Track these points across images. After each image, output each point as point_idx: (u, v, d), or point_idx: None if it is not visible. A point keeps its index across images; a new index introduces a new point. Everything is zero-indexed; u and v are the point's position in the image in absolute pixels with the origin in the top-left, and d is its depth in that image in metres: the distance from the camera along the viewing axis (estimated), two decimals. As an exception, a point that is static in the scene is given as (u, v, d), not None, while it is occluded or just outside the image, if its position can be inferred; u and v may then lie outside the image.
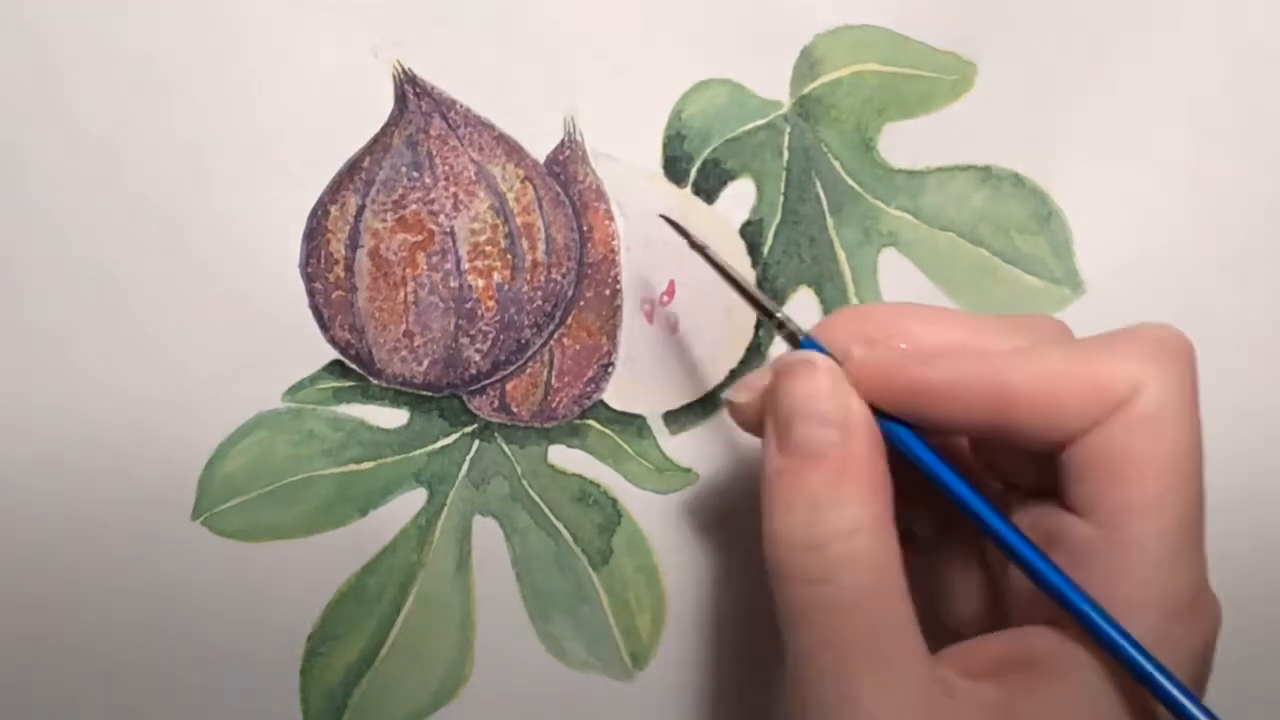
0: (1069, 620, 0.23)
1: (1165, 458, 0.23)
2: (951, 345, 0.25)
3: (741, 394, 0.26)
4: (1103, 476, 0.23)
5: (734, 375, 0.32)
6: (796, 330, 0.26)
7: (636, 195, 0.32)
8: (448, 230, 0.31)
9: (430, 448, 0.32)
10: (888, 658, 0.22)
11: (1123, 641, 0.22)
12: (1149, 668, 0.22)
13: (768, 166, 0.32)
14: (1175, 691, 0.22)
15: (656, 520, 0.32)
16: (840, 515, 0.23)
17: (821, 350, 0.25)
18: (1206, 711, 0.22)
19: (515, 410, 0.32)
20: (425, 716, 0.31)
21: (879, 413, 0.24)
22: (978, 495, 0.24)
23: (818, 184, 0.32)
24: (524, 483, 0.32)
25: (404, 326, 0.31)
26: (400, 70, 0.30)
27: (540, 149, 0.31)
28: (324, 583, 0.31)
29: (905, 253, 0.33)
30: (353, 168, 0.30)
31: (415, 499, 0.31)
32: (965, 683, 0.23)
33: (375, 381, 0.31)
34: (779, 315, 0.26)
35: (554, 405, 0.32)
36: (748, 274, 0.32)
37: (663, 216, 0.29)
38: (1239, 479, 0.33)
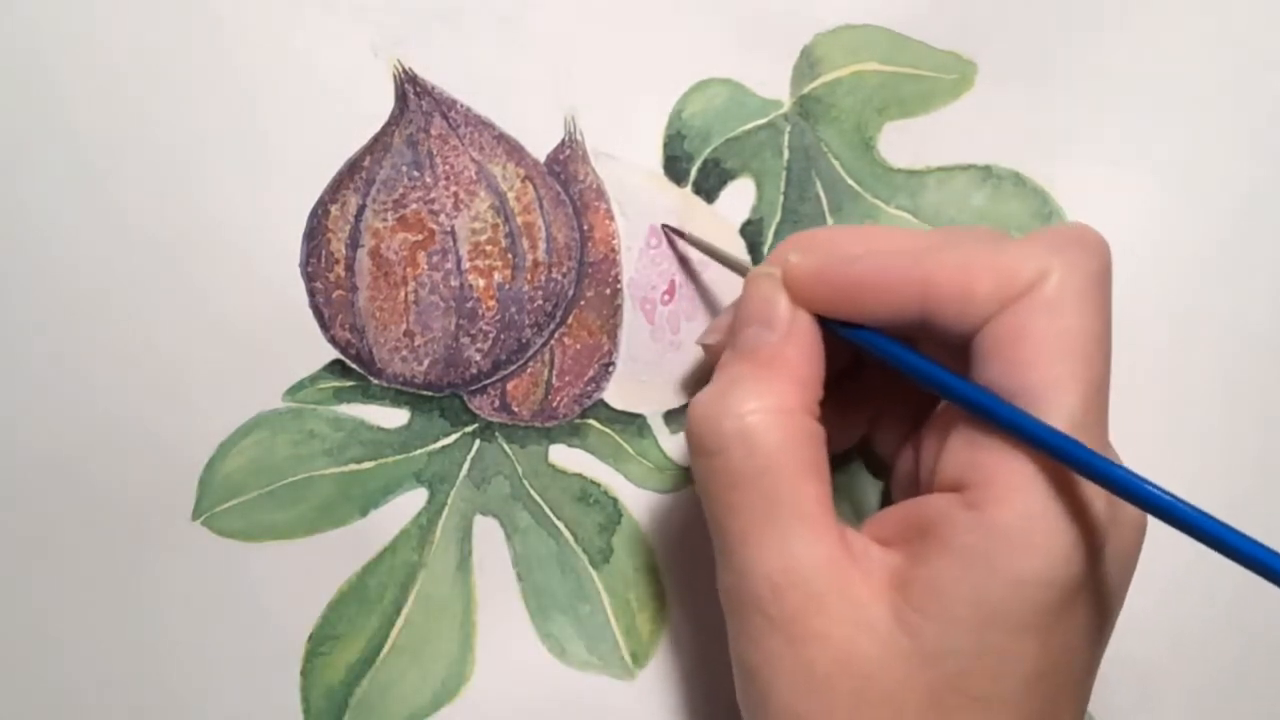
0: (961, 483, 0.24)
1: (1064, 339, 0.23)
2: (871, 249, 0.26)
3: (711, 335, 0.29)
4: (1006, 358, 0.24)
5: (695, 236, 0.32)
6: (750, 267, 0.28)
7: (637, 195, 0.32)
8: (448, 230, 0.31)
9: (431, 447, 0.32)
10: (784, 527, 0.24)
11: (1058, 437, 0.22)
12: (1083, 453, 0.22)
13: (768, 166, 0.32)
14: (1107, 467, 0.22)
15: (657, 520, 0.32)
16: (744, 395, 0.25)
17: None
18: (1126, 471, 0.22)
19: (516, 410, 0.32)
20: (426, 716, 0.31)
21: (828, 321, 0.26)
22: (916, 354, 0.25)
23: (818, 183, 0.32)
24: (525, 482, 0.32)
25: (404, 326, 0.31)
26: (401, 70, 0.30)
27: (541, 148, 0.31)
28: (324, 583, 0.31)
29: (906, 252, 0.33)
30: (353, 167, 0.30)
31: (416, 499, 0.31)
32: (877, 549, 0.25)
33: (376, 381, 0.31)
34: (748, 268, 0.28)
35: (555, 405, 0.32)
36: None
37: (665, 228, 0.31)
38: (1238, 478, 0.33)
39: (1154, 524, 0.23)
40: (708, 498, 0.26)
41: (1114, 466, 0.22)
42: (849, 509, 0.32)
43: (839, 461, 0.32)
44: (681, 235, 0.31)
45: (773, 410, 0.25)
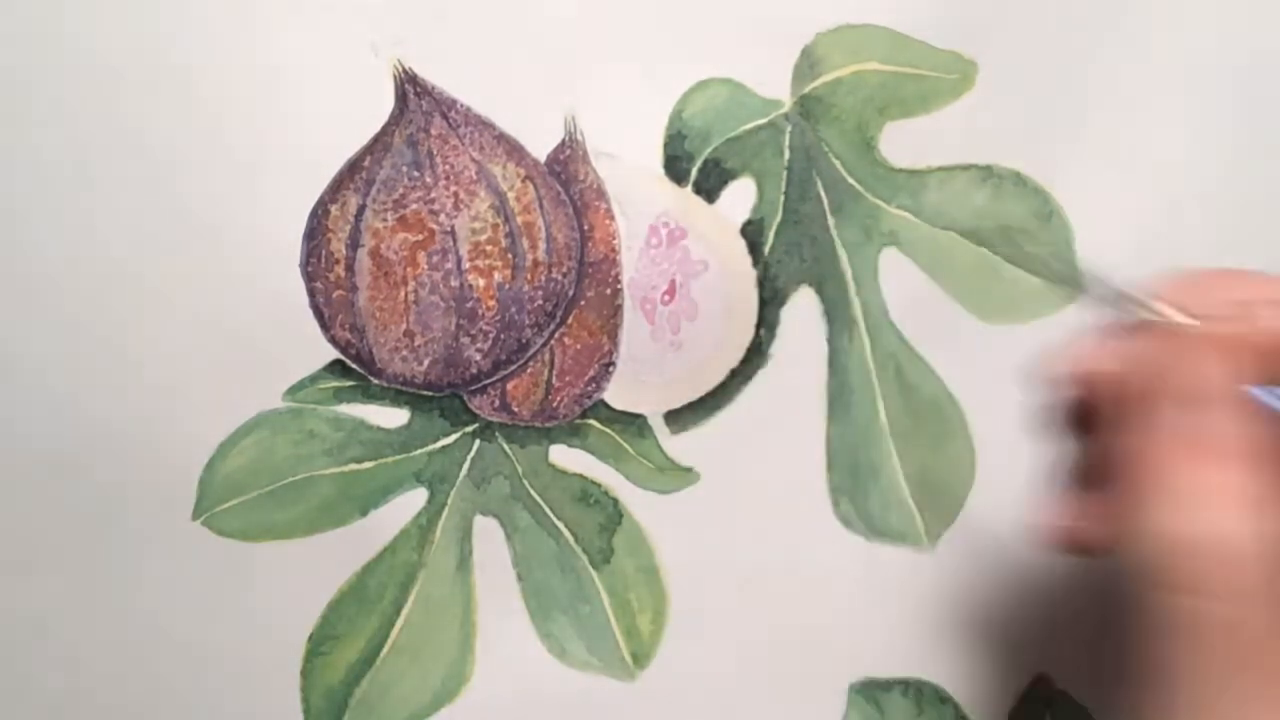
0: None
1: None
2: None
3: (1091, 361, 0.23)
4: None
5: (734, 375, 0.32)
6: (1170, 314, 0.22)
7: (637, 195, 0.32)
8: (448, 229, 0.31)
9: (431, 447, 0.31)
10: (1271, 690, 0.19)
11: None
12: None
13: (769, 166, 0.32)
14: None
15: (657, 520, 0.32)
16: (1232, 515, 0.19)
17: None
18: None
19: (516, 410, 0.32)
20: (426, 716, 0.31)
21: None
22: None
23: (819, 183, 0.32)
24: (525, 482, 0.32)
25: (405, 326, 0.31)
26: (401, 69, 0.30)
27: (541, 148, 0.31)
28: (324, 582, 0.31)
29: (906, 252, 0.33)
30: (353, 167, 0.30)
31: (416, 498, 0.31)
32: None
33: (376, 381, 0.31)
34: (1149, 303, 0.23)
35: (555, 405, 0.32)
36: (749, 273, 0.32)
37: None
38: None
39: None
40: (1181, 644, 0.20)
41: None
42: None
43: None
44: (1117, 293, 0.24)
45: (1266, 531, 0.19)
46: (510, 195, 0.31)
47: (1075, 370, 0.23)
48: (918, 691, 0.33)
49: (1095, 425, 0.23)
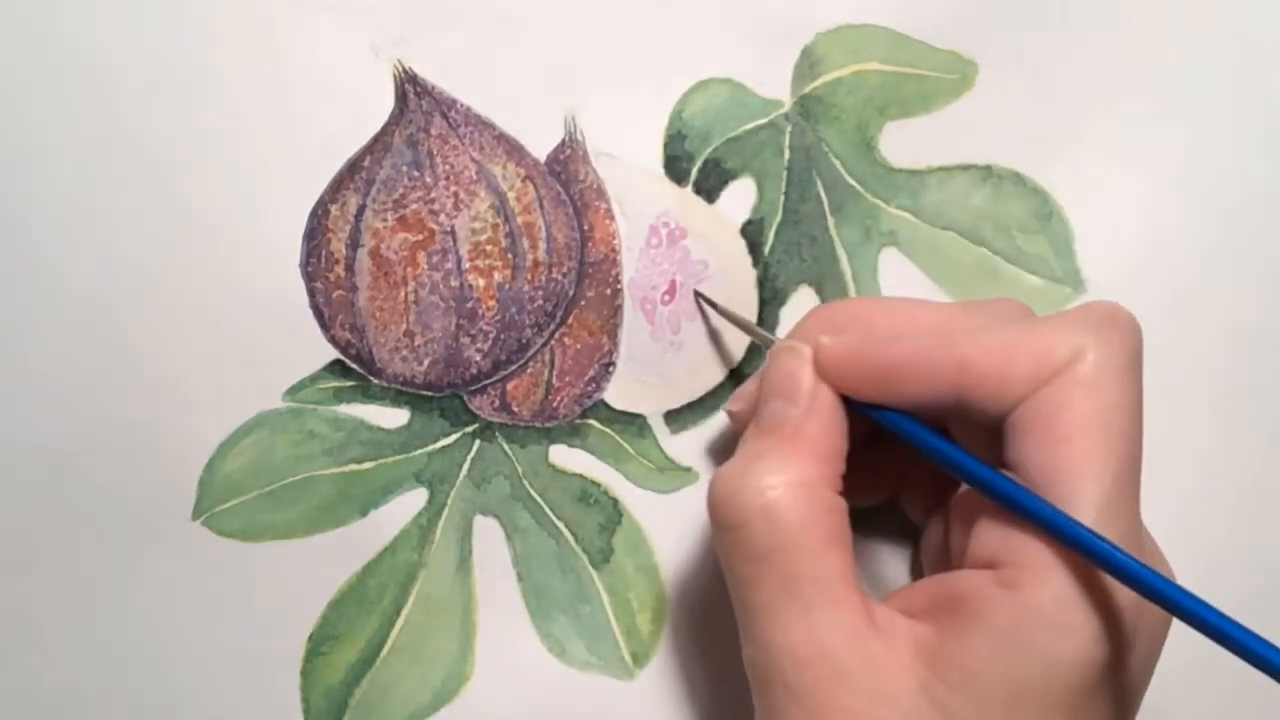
0: (995, 561, 0.24)
1: (1098, 417, 0.24)
2: (913, 330, 0.27)
3: (737, 403, 0.29)
4: (1041, 435, 0.24)
5: (734, 375, 0.32)
6: (775, 340, 0.29)
7: (637, 195, 0.32)
8: (448, 229, 0.31)
9: (431, 447, 0.31)
10: (807, 600, 0.24)
11: (1086, 534, 0.23)
12: (1112, 553, 0.23)
13: (768, 166, 0.32)
14: (1125, 559, 0.23)
15: (657, 520, 0.32)
16: (765, 470, 0.25)
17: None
18: (1152, 573, 0.22)
19: (516, 410, 0.32)
20: (426, 716, 0.31)
21: (854, 402, 0.26)
22: (944, 440, 0.26)
23: (818, 183, 0.32)
24: (525, 482, 0.32)
25: (405, 326, 0.31)
26: (401, 69, 0.30)
27: (541, 148, 0.31)
28: (324, 583, 0.31)
29: (906, 252, 0.33)
30: (353, 167, 0.30)
31: (416, 499, 0.31)
32: (903, 620, 0.25)
33: (376, 381, 0.31)
34: (772, 340, 0.29)
35: (555, 405, 0.32)
36: (749, 273, 0.32)
37: (697, 295, 0.32)
38: (1238, 477, 0.33)
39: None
40: (730, 572, 0.26)
41: (1136, 566, 0.22)
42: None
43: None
44: (714, 306, 0.31)
45: (794, 484, 0.25)
46: (510, 195, 0.31)
47: (730, 410, 0.30)
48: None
49: None
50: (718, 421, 0.32)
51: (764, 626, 0.25)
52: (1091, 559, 0.23)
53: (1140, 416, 0.25)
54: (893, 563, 0.33)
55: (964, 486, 0.28)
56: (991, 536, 0.25)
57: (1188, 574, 0.26)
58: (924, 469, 0.30)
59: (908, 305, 0.28)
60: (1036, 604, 0.23)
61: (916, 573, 0.32)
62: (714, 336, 0.32)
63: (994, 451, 0.25)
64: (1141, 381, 0.25)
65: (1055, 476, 0.24)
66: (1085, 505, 0.23)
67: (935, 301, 0.28)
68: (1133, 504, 0.24)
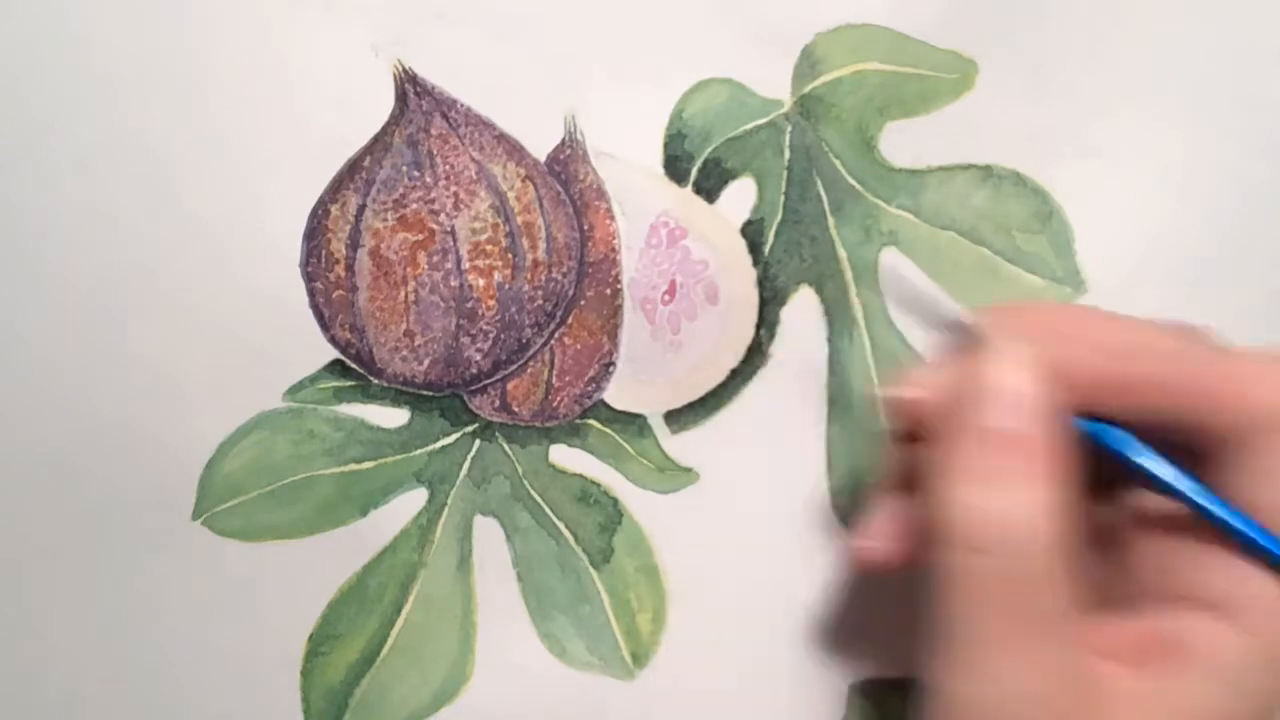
0: (1227, 604, 0.23)
1: None
2: (1125, 344, 0.26)
3: (914, 388, 0.26)
4: (1273, 469, 0.24)
5: (734, 374, 0.32)
6: (981, 332, 0.26)
7: (637, 195, 0.32)
8: (448, 229, 0.31)
9: (431, 447, 0.31)
10: (1042, 635, 0.23)
11: None
12: None
13: (769, 166, 0.32)
14: None
15: (658, 520, 0.32)
16: (1015, 492, 0.23)
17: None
18: None
19: (516, 410, 0.32)
20: (426, 716, 0.31)
21: (1081, 416, 0.25)
22: (1183, 473, 0.25)
23: (819, 183, 0.32)
24: (525, 482, 0.32)
25: (405, 326, 0.31)
26: (401, 69, 0.30)
27: (541, 148, 0.31)
28: (324, 582, 0.31)
29: (906, 252, 0.33)
30: (353, 167, 0.30)
31: (416, 498, 0.31)
32: (1109, 667, 0.23)
33: (376, 381, 0.31)
34: (962, 320, 0.27)
35: (555, 405, 0.32)
36: (749, 273, 0.32)
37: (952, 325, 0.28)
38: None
39: None
40: (951, 600, 0.24)
41: None
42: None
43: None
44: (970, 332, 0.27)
45: (1049, 509, 0.23)
46: (510, 195, 0.31)
47: (904, 397, 0.27)
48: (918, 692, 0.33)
49: (921, 442, 0.26)
50: (718, 421, 0.32)
51: (981, 659, 0.23)
52: None
53: None
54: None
55: (1142, 522, 0.27)
56: (1214, 575, 0.24)
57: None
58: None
59: (1104, 317, 0.27)
60: (1274, 645, 0.23)
61: None
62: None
63: (1192, 472, 0.25)
64: None
65: None
66: None
67: (1117, 314, 0.27)
68: None
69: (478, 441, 0.32)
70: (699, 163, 0.32)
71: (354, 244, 0.30)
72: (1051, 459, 0.24)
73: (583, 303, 0.32)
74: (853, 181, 0.32)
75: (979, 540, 0.23)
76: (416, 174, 0.31)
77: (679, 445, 0.32)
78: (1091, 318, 0.27)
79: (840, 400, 0.32)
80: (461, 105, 0.31)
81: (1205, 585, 0.24)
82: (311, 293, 0.31)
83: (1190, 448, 0.25)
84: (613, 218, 0.32)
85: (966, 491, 0.24)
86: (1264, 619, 0.23)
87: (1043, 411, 0.24)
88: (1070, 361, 0.25)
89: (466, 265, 0.31)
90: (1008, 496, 0.23)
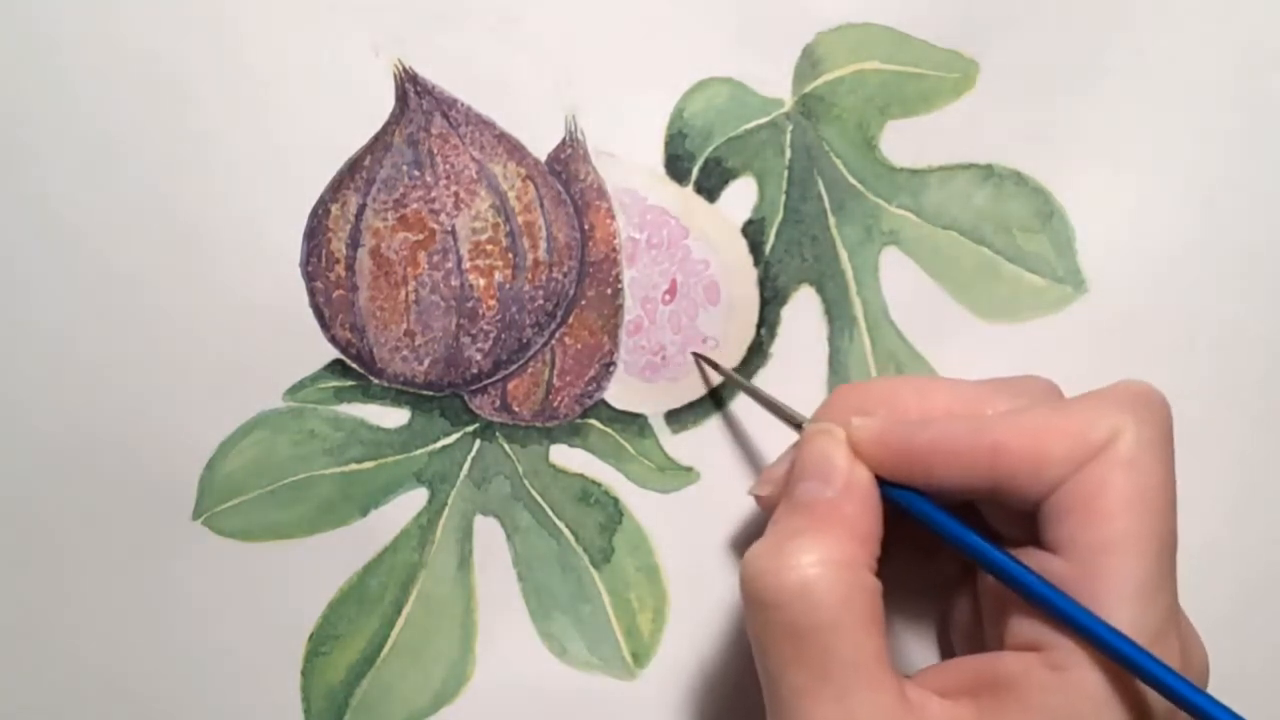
0: (1039, 644, 0.25)
1: (1139, 496, 0.24)
2: (943, 411, 0.27)
3: (764, 487, 0.29)
4: (1081, 515, 0.24)
5: (735, 373, 0.32)
6: (803, 420, 0.29)
7: (638, 194, 0.32)
8: (449, 229, 0.31)
9: (431, 447, 0.31)
10: (844, 684, 0.24)
11: (1120, 642, 0.23)
12: (1146, 662, 0.23)
13: (770, 165, 0.32)
14: (1171, 679, 0.23)
15: (658, 519, 0.32)
16: (803, 549, 0.25)
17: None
18: (1206, 696, 0.23)
19: (517, 410, 0.32)
20: (427, 716, 0.31)
21: (885, 484, 0.26)
22: (975, 535, 0.26)
23: (819, 182, 0.32)
24: (525, 482, 0.32)
25: (405, 325, 0.31)
26: (401, 69, 0.30)
27: (541, 148, 0.31)
28: (325, 582, 0.31)
29: (907, 251, 0.32)
30: (353, 166, 0.30)
31: (416, 498, 0.31)
32: (937, 702, 0.25)
33: (376, 381, 0.31)
34: (801, 420, 0.29)
35: (555, 404, 0.32)
36: (750, 273, 0.32)
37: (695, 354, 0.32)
38: (1236, 475, 0.33)
39: None
40: (763, 651, 0.25)
41: (1169, 675, 0.23)
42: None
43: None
44: (717, 368, 0.32)
45: (834, 564, 0.25)
46: (511, 195, 0.31)
47: (759, 495, 0.29)
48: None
49: None
50: (719, 422, 0.32)
51: (796, 708, 0.25)
52: (1120, 662, 0.23)
53: (1175, 494, 0.25)
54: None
55: None
56: (1035, 618, 0.25)
57: (1180, 576, 0.26)
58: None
59: (935, 385, 0.28)
60: (1085, 686, 0.24)
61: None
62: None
63: (1029, 531, 0.26)
64: (1173, 461, 0.25)
65: (1098, 556, 0.24)
66: (1129, 585, 0.24)
67: (962, 380, 0.28)
68: (1171, 582, 0.25)
69: (478, 441, 0.32)
70: (700, 162, 0.32)
71: (354, 243, 0.30)
72: (850, 522, 0.26)
73: (583, 302, 0.32)
74: (854, 181, 0.32)
75: (772, 597, 0.25)
76: (417, 173, 0.30)
77: (680, 445, 0.32)
78: (928, 388, 0.28)
79: (841, 400, 0.32)
80: (462, 105, 0.31)
81: (1027, 630, 0.25)
82: (312, 292, 0.31)
83: (1022, 507, 0.26)
84: (613, 217, 0.32)
85: (763, 551, 0.25)
86: (1066, 655, 0.24)
87: (843, 481, 0.26)
88: (886, 434, 0.26)
89: (467, 265, 0.31)
90: (799, 556, 0.25)
